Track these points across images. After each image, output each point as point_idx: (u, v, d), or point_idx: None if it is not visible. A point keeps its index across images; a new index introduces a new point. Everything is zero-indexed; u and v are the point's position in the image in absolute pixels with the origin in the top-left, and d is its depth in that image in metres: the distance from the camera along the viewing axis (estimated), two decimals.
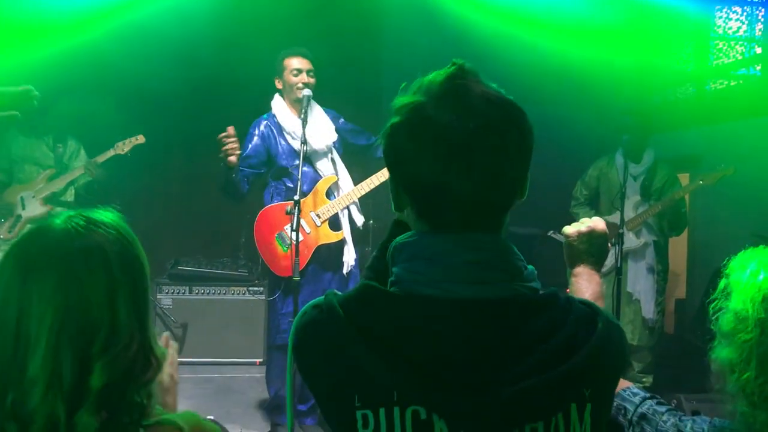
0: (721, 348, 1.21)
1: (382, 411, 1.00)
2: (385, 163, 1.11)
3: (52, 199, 5.27)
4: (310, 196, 4.03)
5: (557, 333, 1.02)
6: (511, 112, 1.06)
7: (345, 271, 4.13)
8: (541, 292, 1.09)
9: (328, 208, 4.07)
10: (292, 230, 3.59)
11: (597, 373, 1.03)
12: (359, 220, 4.20)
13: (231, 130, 3.75)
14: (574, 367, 0.99)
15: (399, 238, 1.12)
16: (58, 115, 5.26)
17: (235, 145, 3.76)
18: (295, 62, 4.10)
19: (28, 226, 5.19)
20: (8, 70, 4.66)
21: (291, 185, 4.05)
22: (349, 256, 4.13)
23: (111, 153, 5.10)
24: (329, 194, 4.12)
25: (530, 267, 1.10)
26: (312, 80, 4.09)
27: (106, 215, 1.22)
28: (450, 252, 1.05)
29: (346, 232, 4.11)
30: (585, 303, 1.09)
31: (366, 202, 4.54)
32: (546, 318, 1.04)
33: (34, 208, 5.24)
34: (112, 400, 1.09)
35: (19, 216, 5.22)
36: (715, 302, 1.25)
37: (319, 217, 4.03)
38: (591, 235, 1.58)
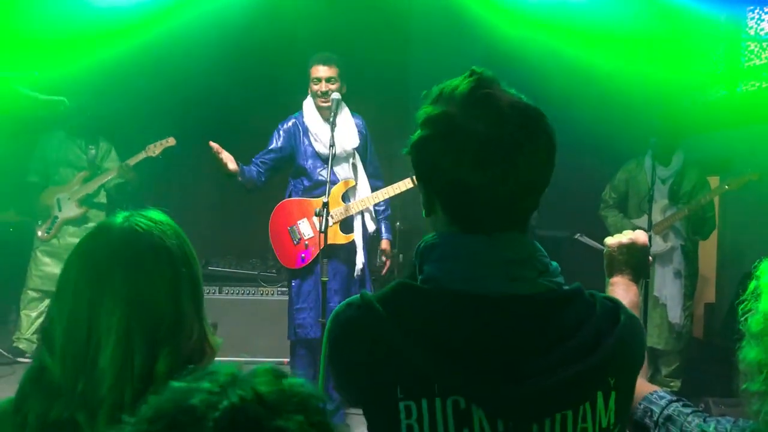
0: (750, 348, 1.22)
1: (424, 401, 1.04)
2: (415, 172, 1.16)
3: (87, 201, 5.38)
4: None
5: (584, 326, 1.08)
6: (536, 116, 1.10)
7: (355, 274, 4.21)
8: (565, 287, 1.14)
9: (341, 211, 4.15)
10: (320, 231, 3.67)
11: (621, 363, 1.09)
12: (371, 227, 4.30)
13: (213, 144, 3.90)
14: (601, 358, 1.05)
15: (427, 239, 1.16)
16: (91, 117, 5.38)
17: (224, 156, 3.91)
18: (317, 70, 4.18)
19: (66, 227, 5.32)
20: (54, 79, 4.84)
21: (308, 184, 4.17)
22: (359, 260, 4.22)
23: (143, 155, 5.18)
24: (345, 198, 4.21)
25: (554, 263, 1.15)
26: (333, 86, 4.16)
27: (158, 214, 1.29)
28: (485, 251, 1.10)
29: (357, 236, 4.19)
30: (608, 298, 1.15)
31: (393, 206, 4.58)
32: (572, 311, 1.09)
33: (70, 210, 5.35)
34: None
35: (56, 217, 5.34)
36: (745, 303, 1.26)
37: (332, 218, 4.10)
38: (631, 247, 1.60)
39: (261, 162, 4.20)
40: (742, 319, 1.26)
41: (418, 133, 1.12)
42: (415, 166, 1.15)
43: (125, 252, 1.20)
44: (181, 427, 0.69)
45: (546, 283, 1.11)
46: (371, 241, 4.40)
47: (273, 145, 4.23)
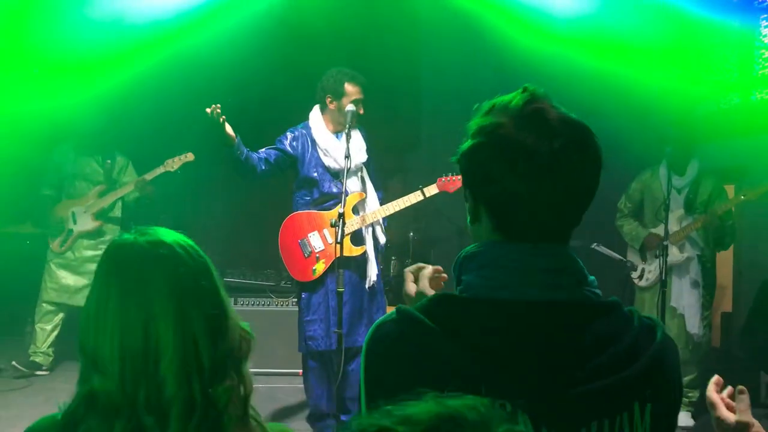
0: None
1: None
2: (463, 180, 1.19)
3: (102, 215, 5.42)
4: (336, 210, 4.11)
5: (622, 337, 1.10)
6: (585, 132, 1.14)
7: (367, 285, 4.20)
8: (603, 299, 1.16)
9: (352, 223, 4.16)
10: (336, 242, 3.68)
11: (657, 377, 1.11)
12: (382, 239, 4.31)
13: (213, 108, 3.79)
14: (640, 370, 1.08)
15: (466, 249, 1.19)
16: (108, 132, 5.44)
17: (225, 125, 3.84)
18: (358, 92, 4.15)
19: (80, 240, 5.36)
20: (73, 98, 4.94)
21: (317, 196, 4.17)
22: (372, 272, 4.22)
23: (161, 170, 5.22)
24: (355, 210, 4.22)
25: (592, 277, 1.17)
26: (362, 111, 4.17)
27: (165, 230, 1.34)
28: (527, 259, 1.13)
29: (369, 248, 4.20)
30: (647, 316, 1.18)
31: (406, 215, 4.59)
32: (610, 322, 1.12)
33: (86, 223, 5.38)
34: (230, 372, 1.24)
35: (71, 230, 5.37)
36: (762, 312, 1.25)
37: (345, 229, 4.11)
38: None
39: (265, 153, 4.17)
40: (759, 327, 1.25)
41: (468, 142, 1.16)
42: (463, 174, 1.18)
43: (156, 254, 1.25)
44: None
45: (585, 292, 1.14)
46: (383, 252, 4.41)
47: (281, 144, 4.21)
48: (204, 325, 1.22)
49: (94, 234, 5.40)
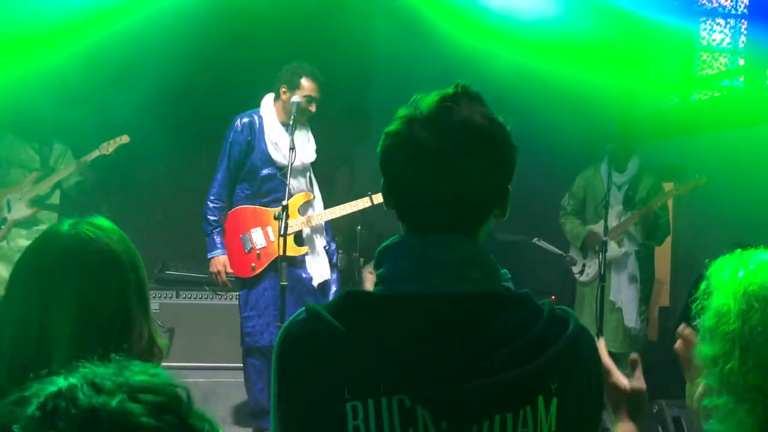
0: (704, 344, 1.24)
1: (370, 401, 1.07)
2: (379, 164, 1.22)
3: (38, 202, 5.25)
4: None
5: (530, 330, 1.11)
6: (486, 136, 1.16)
7: (316, 282, 4.18)
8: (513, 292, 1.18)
9: (297, 223, 4.10)
10: (279, 235, 3.64)
11: (565, 370, 1.12)
12: (323, 241, 4.29)
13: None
14: (545, 363, 1.08)
15: (385, 242, 1.21)
16: (43, 118, 5.26)
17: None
18: (315, 89, 4.11)
19: (16, 229, 5.19)
20: (8, 80, 4.75)
21: (259, 191, 4.12)
22: (324, 269, 4.21)
23: (96, 153, 5.08)
24: (301, 211, 4.18)
25: (504, 270, 1.19)
26: (313, 110, 4.15)
27: (103, 220, 1.32)
28: (431, 251, 1.15)
29: (317, 247, 4.20)
30: (560, 308, 1.19)
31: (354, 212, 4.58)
32: (519, 314, 1.13)
33: (20, 211, 5.21)
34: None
35: (5, 219, 5.20)
36: (697, 302, 1.29)
37: (290, 228, 4.06)
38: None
39: (216, 199, 4.18)
40: (695, 317, 1.29)
41: (389, 127, 1.21)
42: (379, 161, 1.22)
43: (74, 259, 1.24)
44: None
45: (493, 285, 1.16)
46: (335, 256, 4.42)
47: (226, 162, 4.15)
48: (101, 337, 1.20)
49: (29, 222, 5.23)
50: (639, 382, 1.48)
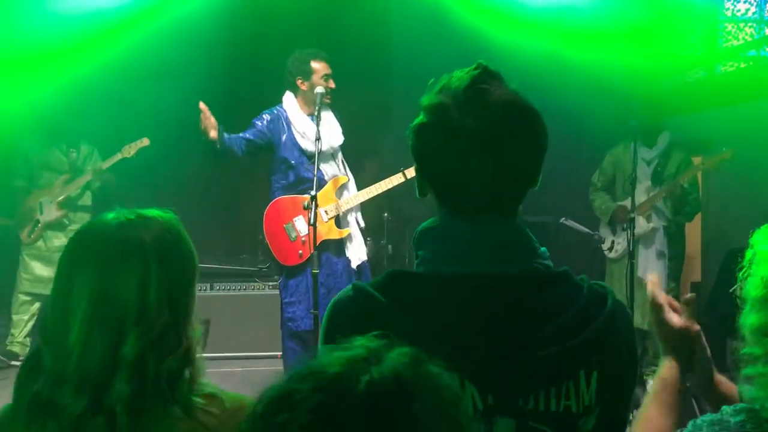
0: (752, 314, 1.23)
1: None
2: (413, 156, 1.23)
3: (69, 203, 5.37)
4: (321, 193, 4.11)
5: (571, 307, 1.13)
6: (525, 115, 1.18)
7: (354, 264, 4.24)
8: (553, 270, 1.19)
9: (336, 206, 4.18)
10: (309, 224, 3.68)
11: (605, 345, 1.14)
12: (361, 222, 4.35)
13: (203, 106, 3.87)
14: (586, 339, 1.11)
15: (423, 224, 1.24)
16: (72, 122, 5.37)
17: (211, 121, 3.89)
18: (326, 67, 4.17)
19: (48, 230, 5.33)
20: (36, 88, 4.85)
21: (293, 180, 4.15)
22: (361, 251, 4.28)
23: (118, 157, 5.21)
24: (338, 193, 4.24)
25: (543, 248, 1.21)
26: (334, 85, 4.19)
27: (156, 212, 1.34)
28: (472, 233, 1.18)
29: (353, 229, 4.26)
30: (597, 283, 1.20)
31: (380, 197, 4.61)
32: (559, 292, 1.16)
33: (50, 213, 5.35)
34: (146, 372, 1.23)
35: (38, 221, 5.34)
36: (744, 270, 1.28)
37: (327, 214, 4.15)
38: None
39: (247, 134, 4.15)
40: (740, 287, 1.28)
41: (417, 119, 1.21)
42: (411, 149, 1.23)
43: (95, 246, 1.27)
44: (326, 392, 0.77)
45: (533, 263, 1.18)
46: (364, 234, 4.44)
47: (258, 126, 4.18)
48: (112, 323, 1.23)
49: (60, 224, 5.35)
50: (690, 321, 1.43)
